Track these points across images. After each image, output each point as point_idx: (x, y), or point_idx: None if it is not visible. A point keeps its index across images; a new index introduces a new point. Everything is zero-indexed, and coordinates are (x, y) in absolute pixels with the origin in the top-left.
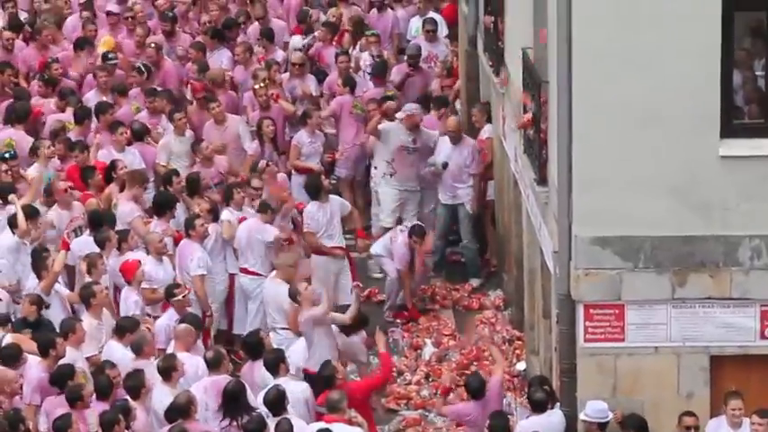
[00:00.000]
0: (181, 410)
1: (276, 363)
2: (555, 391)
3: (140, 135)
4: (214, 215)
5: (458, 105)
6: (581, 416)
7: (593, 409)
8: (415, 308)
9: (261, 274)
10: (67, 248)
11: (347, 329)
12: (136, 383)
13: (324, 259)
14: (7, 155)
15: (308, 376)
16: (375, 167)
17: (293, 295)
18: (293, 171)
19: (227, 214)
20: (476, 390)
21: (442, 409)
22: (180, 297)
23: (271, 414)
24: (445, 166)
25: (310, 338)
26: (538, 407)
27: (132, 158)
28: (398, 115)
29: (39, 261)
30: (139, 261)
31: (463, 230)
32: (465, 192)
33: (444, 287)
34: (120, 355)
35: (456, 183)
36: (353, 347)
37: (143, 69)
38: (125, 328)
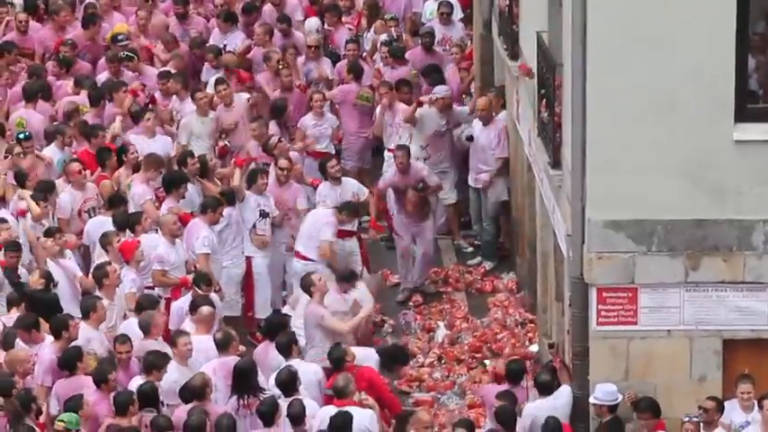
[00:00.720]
0: (196, 392)
1: (288, 345)
2: (567, 367)
3: (138, 116)
4: (229, 199)
5: (472, 89)
6: (591, 399)
7: (602, 391)
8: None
9: (315, 260)
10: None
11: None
12: (157, 362)
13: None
14: (22, 135)
15: None
16: (388, 151)
17: (307, 286)
18: (305, 154)
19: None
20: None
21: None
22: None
23: (282, 395)
24: (470, 138)
25: (311, 335)
26: (543, 389)
27: (163, 145)
28: (424, 99)
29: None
30: (138, 241)
31: (485, 213)
32: (484, 176)
33: (457, 269)
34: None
35: (481, 164)
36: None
37: (131, 56)
38: (142, 306)
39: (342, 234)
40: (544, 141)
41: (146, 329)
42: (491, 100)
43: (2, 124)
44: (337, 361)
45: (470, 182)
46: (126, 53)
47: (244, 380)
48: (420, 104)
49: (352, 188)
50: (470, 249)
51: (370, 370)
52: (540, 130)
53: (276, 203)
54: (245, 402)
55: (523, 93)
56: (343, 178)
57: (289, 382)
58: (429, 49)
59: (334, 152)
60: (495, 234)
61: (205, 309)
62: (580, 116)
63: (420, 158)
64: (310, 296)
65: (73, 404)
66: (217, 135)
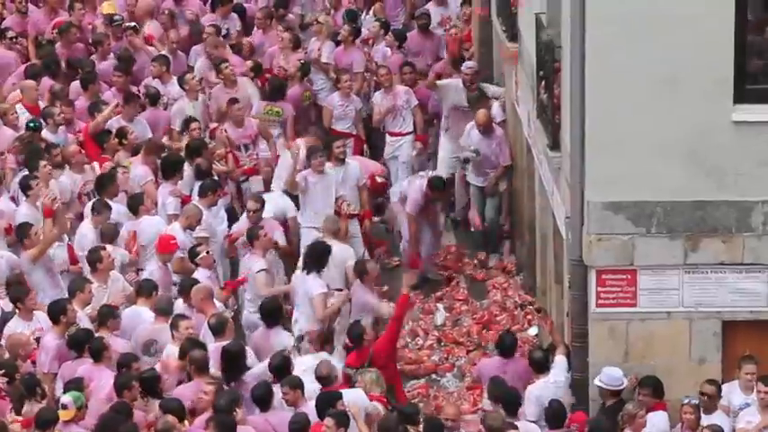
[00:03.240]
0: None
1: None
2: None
3: (155, 100)
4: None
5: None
6: (595, 381)
7: (608, 376)
8: (419, 260)
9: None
10: (50, 215)
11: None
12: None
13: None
14: (32, 124)
15: None
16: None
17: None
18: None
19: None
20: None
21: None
22: (204, 254)
23: (276, 380)
24: (477, 153)
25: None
26: (538, 367)
27: (142, 129)
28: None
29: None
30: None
31: (489, 206)
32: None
33: (458, 253)
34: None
35: (487, 168)
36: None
37: (137, 27)
38: (144, 290)
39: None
40: (543, 123)
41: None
42: (488, 113)
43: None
44: (356, 339)
45: (474, 181)
46: (131, 24)
47: (233, 363)
48: (438, 76)
49: (355, 174)
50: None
51: (387, 348)
52: (540, 112)
53: None
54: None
55: (522, 75)
56: (351, 162)
57: (282, 368)
58: (425, 31)
59: (355, 133)
60: (500, 227)
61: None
62: (579, 98)
63: (443, 128)
64: (363, 281)
65: (75, 386)
66: (207, 118)
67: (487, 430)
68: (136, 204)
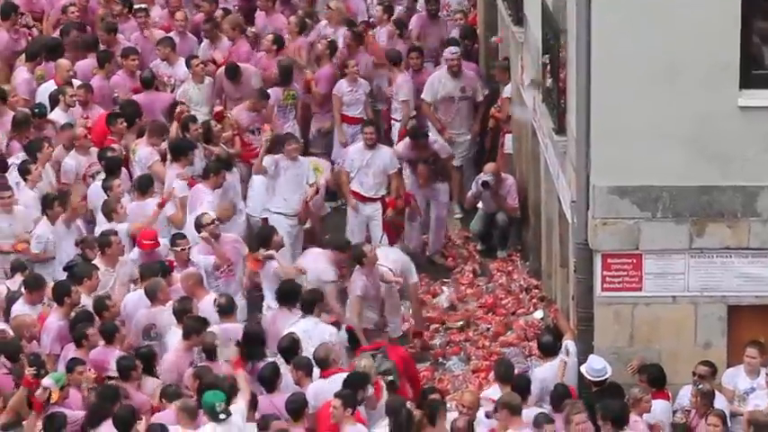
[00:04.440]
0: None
1: (312, 303)
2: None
3: (149, 83)
4: (227, 164)
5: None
6: (581, 368)
7: (590, 367)
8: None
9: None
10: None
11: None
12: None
13: (356, 203)
14: (37, 110)
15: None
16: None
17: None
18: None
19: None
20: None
21: None
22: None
23: (284, 361)
24: (486, 185)
25: None
26: (546, 350)
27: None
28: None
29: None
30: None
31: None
32: None
33: (462, 236)
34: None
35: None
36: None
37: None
38: (143, 275)
39: (363, 198)
40: (549, 107)
41: (152, 297)
42: (497, 166)
43: (3, 90)
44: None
45: (481, 206)
46: (142, 5)
47: (253, 344)
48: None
49: (384, 160)
50: (460, 215)
51: (403, 349)
52: (545, 97)
53: None
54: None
55: (528, 59)
56: (382, 147)
57: (290, 349)
58: (434, 17)
59: (366, 118)
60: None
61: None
62: (584, 82)
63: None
64: (361, 266)
65: (71, 365)
66: (214, 101)
67: (506, 409)
68: (144, 185)
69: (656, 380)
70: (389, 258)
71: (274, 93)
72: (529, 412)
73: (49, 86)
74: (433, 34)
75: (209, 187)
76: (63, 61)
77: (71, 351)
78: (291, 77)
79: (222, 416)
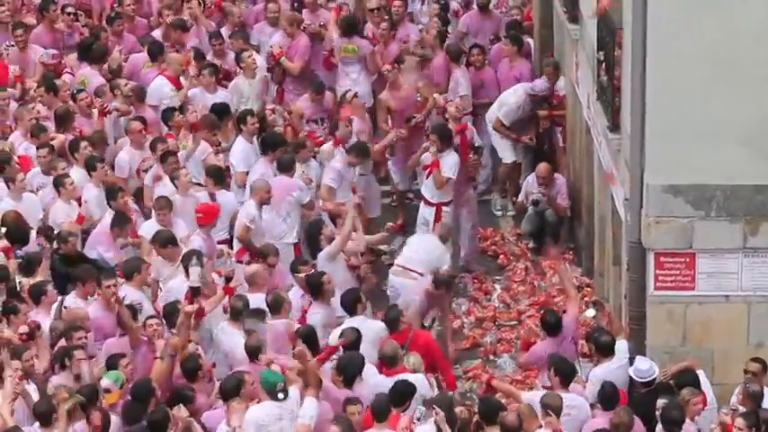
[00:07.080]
0: (251, 352)
1: (354, 302)
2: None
3: (155, 55)
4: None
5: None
6: (630, 370)
7: (637, 368)
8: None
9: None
10: None
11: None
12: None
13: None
14: (76, 90)
15: None
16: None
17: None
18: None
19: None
20: (552, 326)
21: (521, 360)
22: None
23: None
24: (536, 203)
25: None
26: (605, 350)
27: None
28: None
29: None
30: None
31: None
32: None
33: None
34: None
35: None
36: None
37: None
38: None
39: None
40: (603, 105)
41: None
42: (550, 167)
43: (55, 83)
44: (392, 322)
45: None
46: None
47: (307, 343)
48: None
49: None
50: (512, 213)
51: (427, 334)
52: (600, 94)
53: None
54: None
55: (582, 56)
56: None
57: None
58: (485, 11)
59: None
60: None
61: (252, 266)
62: (639, 80)
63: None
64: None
65: (112, 363)
66: (266, 96)
67: (546, 408)
68: (220, 176)
69: (690, 387)
70: (415, 258)
71: (336, 42)
72: (569, 398)
73: (161, 82)
74: (485, 29)
75: (268, 161)
76: (174, 55)
77: (111, 346)
78: (353, 31)
79: (281, 395)
